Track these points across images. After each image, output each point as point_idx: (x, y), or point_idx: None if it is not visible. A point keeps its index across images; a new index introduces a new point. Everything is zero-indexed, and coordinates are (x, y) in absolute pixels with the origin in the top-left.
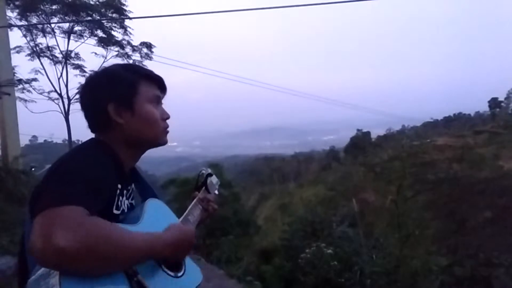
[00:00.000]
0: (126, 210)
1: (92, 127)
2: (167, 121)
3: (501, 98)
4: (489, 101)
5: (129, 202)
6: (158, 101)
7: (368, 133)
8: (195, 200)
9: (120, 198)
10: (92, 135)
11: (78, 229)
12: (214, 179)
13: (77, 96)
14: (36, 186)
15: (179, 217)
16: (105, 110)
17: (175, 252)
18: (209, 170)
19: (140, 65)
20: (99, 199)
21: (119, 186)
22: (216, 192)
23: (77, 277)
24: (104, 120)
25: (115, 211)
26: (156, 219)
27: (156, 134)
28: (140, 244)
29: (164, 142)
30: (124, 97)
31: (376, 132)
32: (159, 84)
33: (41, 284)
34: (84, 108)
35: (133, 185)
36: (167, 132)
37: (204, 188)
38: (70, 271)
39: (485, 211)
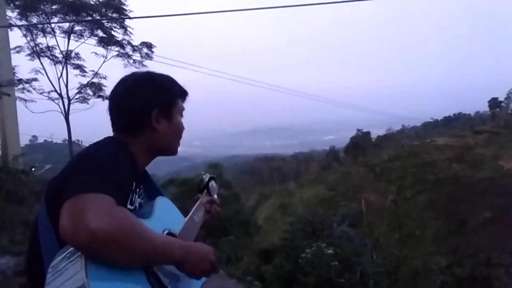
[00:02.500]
0: (137, 208)
1: (121, 127)
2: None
3: (501, 98)
4: (489, 101)
5: (140, 201)
6: (183, 114)
7: (368, 133)
8: (198, 202)
9: (134, 195)
10: (93, 136)
11: (109, 214)
12: (213, 184)
13: (77, 96)
14: (53, 179)
15: (184, 216)
16: (149, 114)
17: (188, 260)
18: (209, 175)
19: (174, 78)
20: (122, 192)
21: (134, 183)
22: (216, 196)
23: (100, 264)
24: (142, 123)
25: (129, 206)
26: (166, 215)
27: (178, 144)
28: (160, 242)
29: (176, 153)
30: (167, 106)
31: (376, 132)
32: (185, 98)
33: (64, 266)
34: (124, 109)
35: (141, 186)
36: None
37: (206, 191)
38: (97, 255)
39: (485, 211)
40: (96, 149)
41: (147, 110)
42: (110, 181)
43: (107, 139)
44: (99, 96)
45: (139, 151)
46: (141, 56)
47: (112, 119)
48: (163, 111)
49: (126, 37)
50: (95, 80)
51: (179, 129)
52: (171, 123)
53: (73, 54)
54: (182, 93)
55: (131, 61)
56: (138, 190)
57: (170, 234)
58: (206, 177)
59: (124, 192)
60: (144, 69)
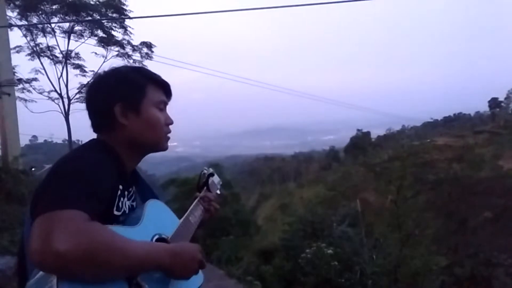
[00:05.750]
0: (127, 211)
1: (95, 127)
2: (170, 126)
3: (501, 98)
4: (489, 101)
5: (130, 203)
6: (163, 106)
7: (368, 133)
8: (196, 200)
9: (121, 199)
10: (93, 135)
11: (78, 234)
12: (216, 179)
13: (78, 96)
14: (37, 188)
15: (179, 218)
16: (111, 110)
17: (175, 263)
18: (211, 170)
19: (148, 69)
20: (100, 202)
21: (121, 187)
22: (218, 191)
23: (75, 281)
24: (108, 120)
25: (115, 212)
26: (157, 219)
27: (158, 138)
28: (140, 252)
29: (164, 148)
30: (131, 98)
31: (376, 132)
32: (165, 89)
33: None
34: (90, 107)
35: (133, 187)
36: (168, 138)
37: (205, 188)
38: (67, 276)
39: (485, 211)
40: (75, 154)
41: (108, 106)
42: (83, 192)
43: (90, 141)
44: None
45: (120, 150)
46: (141, 56)
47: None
48: (127, 105)
49: (126, 37)
50: None
51: (153, 122)
52: (140, 117)
53: (73, 54)
54: (155, 83)
55: (131, 61)
56: (127, 192)
57: (161, 239)
58: (207, 172)
59: (104, 200)
60: (115, 65)
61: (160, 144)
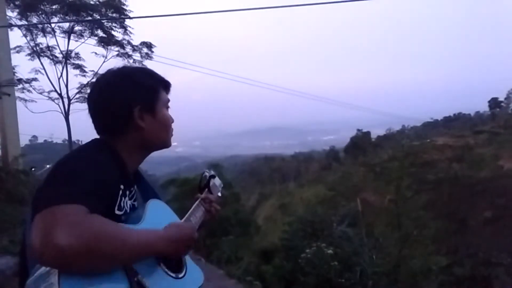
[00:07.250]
0: (128, 211)
1: (105, 129)
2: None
3: (501, 98)
4: (489, 101)
5: (132, 203)
6: (168, 105)
7: (368, 133)
8: (197, 202)
9: (123, 198)
10: (93, 135)
11: (78, 228)
12: (217, 181)
13: (78, 96)
14: (38, 187)
15: (180, 218)
16: (131, 113)
17: (174, 247)
18: (212, 172)
19: (152, 69)
20: (100, 199)
21: (122, 186)
22: (219, 194)
23: (76, 276)
24: (125, 123)
25: (117, 212)
26: (158, 219)
27: (168, 137)
28: (139, 239)
29: (170, 145)
30: (149, 101)
31: (376, 132)
32: (168, 88)
33: (40, 284)
34: (103, 110)
35: (135, 186)
36: (172, 135)
37: (206, 189)
38: (69, 270)
39: (485, 211)
40: (76, 154)
41: (128, 109)
42: (83, 189)
43: (91, 142)
44: None
45: (127, 151)
46: (141, 56)
47: (93, 121)
48: (145, 107)
49: (126, 37)
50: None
51: (166, 123)
52: (156, 118)
53: (73, 54)
54: (163, 84)
55: (131, 61)
56: (128, 192)
57: None
58: (208, 174)
59: (105, 199)
60: (119, 65)
61: (167, 142)
